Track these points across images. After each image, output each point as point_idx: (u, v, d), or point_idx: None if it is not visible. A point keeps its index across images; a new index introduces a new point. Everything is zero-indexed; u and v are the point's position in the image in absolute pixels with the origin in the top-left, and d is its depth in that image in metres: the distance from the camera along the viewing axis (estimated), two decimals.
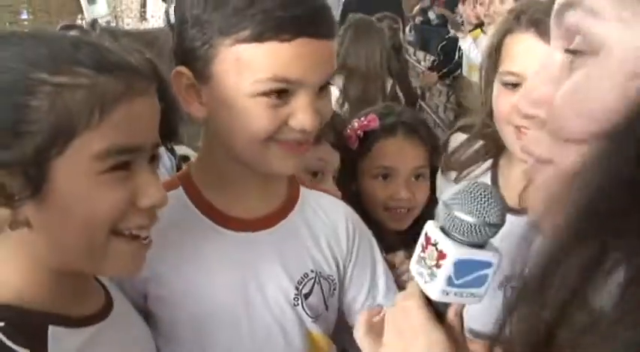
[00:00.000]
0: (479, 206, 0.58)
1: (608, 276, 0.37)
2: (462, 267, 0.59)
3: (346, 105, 2.68)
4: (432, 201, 1.26)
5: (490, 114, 1.09)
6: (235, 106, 0.75)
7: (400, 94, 3.07)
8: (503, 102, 1.03)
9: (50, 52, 0.61)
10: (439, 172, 1.28)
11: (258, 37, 0.72)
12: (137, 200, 0.65)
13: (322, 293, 0.92)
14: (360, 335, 0.66)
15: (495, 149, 1.14)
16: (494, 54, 1.05)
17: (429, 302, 0.62)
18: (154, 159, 0.69)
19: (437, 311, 0.62)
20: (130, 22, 4.30)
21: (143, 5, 4.39)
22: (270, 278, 0.88)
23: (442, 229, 0.61)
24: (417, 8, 4.82)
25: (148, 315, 0.86)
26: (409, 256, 1.19)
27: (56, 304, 0.67)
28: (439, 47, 4.26)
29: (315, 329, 0.92)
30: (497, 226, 0.60)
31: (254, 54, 0.72)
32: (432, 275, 0.60)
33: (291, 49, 0.72)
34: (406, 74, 3.25)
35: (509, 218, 0.91)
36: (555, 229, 0.41)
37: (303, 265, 0.91)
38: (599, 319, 0.37)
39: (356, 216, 1.00)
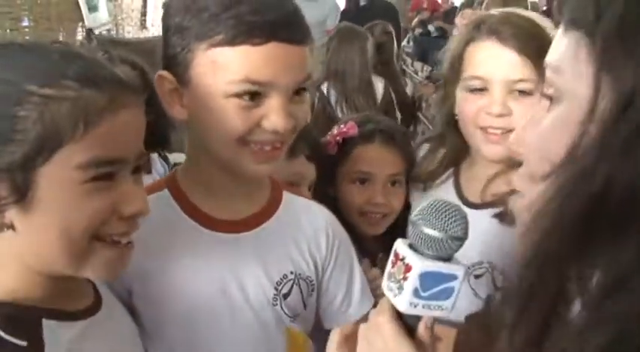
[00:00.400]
0: (443, 221, 0.63)
1: (575, 296, 0.44)
2: (428, 279, 0.63)
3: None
4: (408, 207, 1.29)
5: (449, 122, 1.16)
6: (211, 107, 0.79)
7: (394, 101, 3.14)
8: (469, 106, 1.09)
9: (40, 65, 0.65)
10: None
11: (232, 41, 0.76)
12: (120, 208, 0.68)
13: (301, 293, 0.95)
14: (332, 350, 0.70)
15: (456, 156, 1.20)
16: (457, 63, 1.11)
17: (399, 317, 0.65)
18: (138, 169, 0.72)
19: (408, 325, 0.65)
20: (130, 31, 4.34)
21: (143, 14, 4.44)
22: (250, 278, 0.91)
23: (410, 246, 0.65)
24: (416, 20, 4.89)
25: (132, 312, 0.89)
26: (384, 261, 1.28)
27: (48, 301, 0.70)
28: (437, 58, 4.32)
29: (294, 328, 0.95)
30: (461, 239, 0.64)
31: (228, 56, 0.76)
32: (400, 288, 0.64)
33: (263, 52, 0.76)
34: (398, 80, 3.32)
35: (472, 212, 1.01)
36: (527, 252, 0.48)
37: (282, 266, 0.94)
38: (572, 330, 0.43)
39: (336, 222, 1.03)
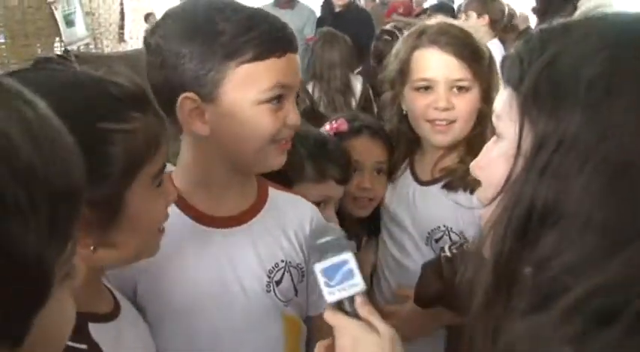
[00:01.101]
0: (324, 233, 0.86)
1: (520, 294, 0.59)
2: (329, 272, 0.81)
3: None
4: None
5: (401, 119, 1.37)
6: (243, 116, 0.90)
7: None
8: (418, 103, 1.30)
9: (101, 101, 0.72)
10: None
11: (260, 57, 0.88)
12: (168, 199, 0.82)
13: (292, 280, 1.04)
14: None
15: (410, 147, 1.41)
16: (405, 67, 1.31)
17: (344, 312, 0.81)
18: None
19: (352, 313, 0.81)
20: (108, 44, 4.34)
21: (121, 27, 4.46)
22: (245, 268, 0.99)
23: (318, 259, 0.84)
24: (390, 26, 5.01)
25: (137, 310, 0.94)
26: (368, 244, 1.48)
27: (85, 305, 0.75)
28: None
29: (288, 312, 1.04)
30: (337, 240, 0.85)
31: (258, 70, 0.88)
32: (321, 291, 0.82)
33: (285, 62, 0.91)
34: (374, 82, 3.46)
35: (426, 188, 1.37)
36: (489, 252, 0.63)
37: (274, 256, 1.02)
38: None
39: (317, 210, 1.13)
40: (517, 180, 0.59)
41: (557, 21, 0.64)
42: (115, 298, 0.86)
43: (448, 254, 1.25)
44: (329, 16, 4.22)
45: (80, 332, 0.71)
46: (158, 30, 0.92)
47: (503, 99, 0.64)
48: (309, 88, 3.18)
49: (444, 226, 1.32)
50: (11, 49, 3.55)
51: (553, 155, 0.56)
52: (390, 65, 1.37)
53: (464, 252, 1.17)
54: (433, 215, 1.34)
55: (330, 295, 0.80)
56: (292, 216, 1.06)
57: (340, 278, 0.80)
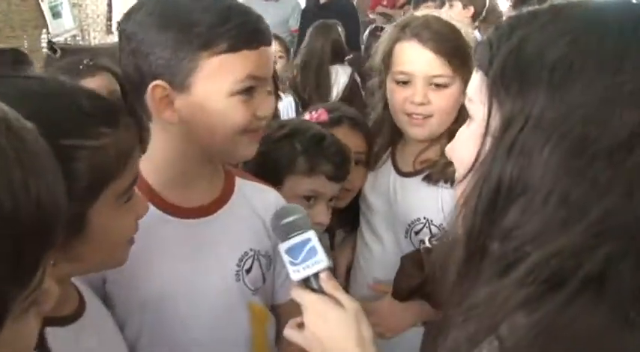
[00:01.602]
0: (285, 214, 0.88)
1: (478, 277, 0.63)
2: (292, 251, 0.84)
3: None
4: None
5: (385, 106, 1.37)
6: (214, 107, 0.91)
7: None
8: (397, 96, 1.31)
9: (68, 116, 0.69)
10: None
11: (233, 48, 0.89)
12: (138, 213, 0.80)
13: (261, 268, 1.06)
14: (288, 333, 0.86)
15: (392, 137, 1.42)
16: (387, 59, 1.32)
17: (311, 289, 0.84)
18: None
19: (318, 290, 0.84)
20: (96, 36, 4.32)
21: (109, 19, 4.44)
22: (215, 257, 1.01)
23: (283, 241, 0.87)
24: (374, 17, 5.02)
25: (105, 298, 0.96)
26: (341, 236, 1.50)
27: None
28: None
29: (256, 301, 1.06)
30: (298, 219, 0.88)
31: (231, 61, 0.90)
32: (287, 270, 0.85)
33: (258, 54, 0.92)
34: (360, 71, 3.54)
35: (407, 180, 1.37)
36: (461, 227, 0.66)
37: (242, 244, 1.04)
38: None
39: (284, 201, 1.13)
40: (486, 159, 0.62)
41: (527, 8, 0.66)
42: (80, 297, 0.85)
43: (429, 245, 1.27)
44: (314, 7, 4.22)
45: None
46: (133, 16, 0.92)
47: (475, 83, 0.67)
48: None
49: (424, 218, 1.32)
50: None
51: (519, 134, 0.59)
52: (375, 54, 1.38)
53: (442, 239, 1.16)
54: (413, 206, 1.34)
55: (295, 273, 0.83)
56: (259, 204, 1.07)
57: (304, 256, 0.83)
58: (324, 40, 3.30)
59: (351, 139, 1.41)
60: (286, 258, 0.84)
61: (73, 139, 0.67)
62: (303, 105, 3.02)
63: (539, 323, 0.55)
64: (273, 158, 1.26)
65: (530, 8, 0.66)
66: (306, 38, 3.37)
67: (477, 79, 0.67)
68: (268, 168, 1.23)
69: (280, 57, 3.11)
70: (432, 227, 1.32)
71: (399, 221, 1.36)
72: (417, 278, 1.23)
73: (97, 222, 0.72)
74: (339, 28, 3.47)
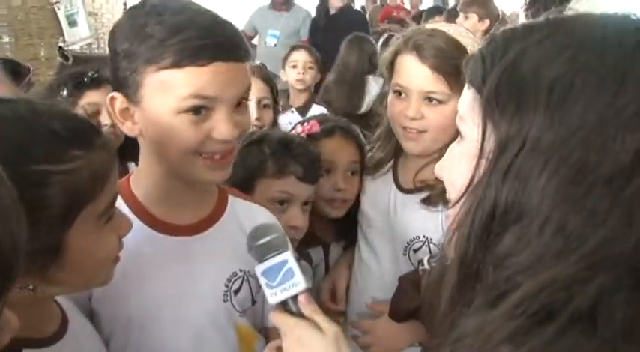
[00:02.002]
0: (260, 235, 0.86)
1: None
2: (269, 273, 0.83)
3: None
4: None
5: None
6: (163, 123, 0.88)
7: None
8: (394, 107, 1.30)
9: (38, 141, 0.68)
10: None
11: (178, 64, 0.85)
12: (120, 232, 0.79)
13: (250, 289, 1.04)
14: None
15: (396, 148, 1.38)
16: (389, 69, 1.31)
17: (289, 313, 0.82)
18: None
19: (298, 314, 0.82)
20: None
21: None
22: (203, 276, 1.00)
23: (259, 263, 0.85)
24: (385, 27, 5.03)
25: (92, 314, 0.96)
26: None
27: (25, 329, 0.73)
28: None
29: (243, 322, 1.04)
30: (274, 239, 0.86)
31: (175, 77, 0.85)
32: (264, 293, 0.84)
33: (208, 72, 0.85)
34: None
35: (406, 196, 1.34)
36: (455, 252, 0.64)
37: (232, 265, 1.02)
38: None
39: (274, 218, 1.12)
40: (480, 182, 0.59)
41: (522, 22, 0.64)
42: (64, 316, 0.84)
43: (427, 267, 1.22)
44: (324, 18, 4.22)
45: None
46: (113, 27, 0.93)
47: (467, 101, 0.63)
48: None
49: (424, 236, 1.29)
50: (15, 49, 3.61)
51: (515, 157, 0.56)
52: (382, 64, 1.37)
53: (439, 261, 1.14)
54: (413, 224, 1.31)
55: (272, 296, 0.81)
56: (251, 223, 1.02)
57: (281, 278, 0.81)
58: (359, 53, 3.31)
59: (345, 149, 1.42)
60: (263, 281, 0.82)
61: (44, 165, 0.66)
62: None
63: None
64: (243, 164, 1.24)
65: (525, 21, 0.63)
66: (341, 51, 3.38)
67: (468, 96, 0.63)
68: (239, 174, 1.22)
69: (310, 68, 3.09)
70: (431, 246, 1.30)
71: (398, 238, 1.34)
72: (415, 300, 1.20)
73: (76, 245, 0.71)
74: (372, 39, 3.50)
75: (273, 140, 1.29)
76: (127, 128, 0.92)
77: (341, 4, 4.19)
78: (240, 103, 0.93)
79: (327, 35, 4.06)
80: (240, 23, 4.35)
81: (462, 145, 0.65)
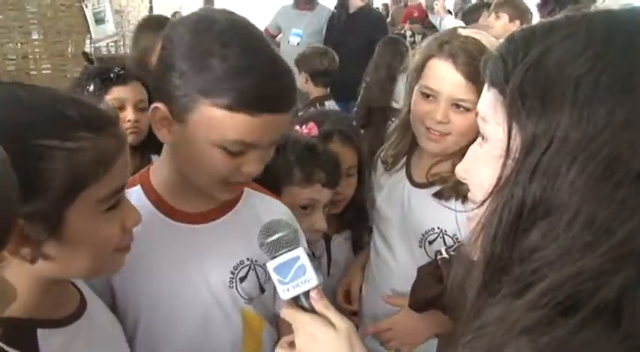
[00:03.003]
0: (272, 230, 0.85)
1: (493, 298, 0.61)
2: (281, 269, 0.82)
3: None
4: (359, 190, 1.53)
5: (409, 111, 1.36)
6: (199, 149, 0.90)
7: None
8: (420, 107, 1.31)
9: (46, 119, 0.71)
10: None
11: (232, 108, 0.86)
12: (126, 223, 0.80)
13: (257, 278, 1.06)
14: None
15: (412, 143, 1.41)
16: (419, 69, 1.31)
17: (302, 309, 0.82)
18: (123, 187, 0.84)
19: (310, 310, 0.82)
20: None
21: None
22: (210, 263, 1.03)
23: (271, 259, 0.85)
24: (407, 27, 5.00)
25: (112, 307, 0.99)
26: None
27: (40, 310, 0.77)
28: None
29: (251, 309, 1.07)
30: (286, 235, 0.85)
31: (226, 118, 0.86)
32: (276, 289, 0.84)
33: (255, 122, 0.87)
34: None
35: (419, 190, 1.37)
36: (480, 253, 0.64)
37: (240, 253, 1.05)
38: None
39: (291, 214, 1.14)
40: (507, 182, 0.59)
41: (540, 20, 0.63)
42: (82, 299, 0.86)
43: (446, 256, 1.27)
44: (342, 16, 4.19)
45: (24, 338, 0.73)
46: (178, 28, 0.91)
47: (487, 101, 0.63)
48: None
49: (438, 228, 1.32)
50: (44, 45, 3.70)
51: (543, 156, 0.56)
52: (413, 59, 1.38)
53: (460, 254, 1.13)
54: (427, 216, 1.33)
55: (285, 292, 0.82)
56: (263, 215, 1.07)
57: (293, 274, 0.81)
58: (393, 54, 3.35)
59: (343, 154, 1.43)
60: (275, 277, 0.82)
61: (50, 140, 0.69)
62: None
63: (545, 349, 0.52)
64: (269, 168, 1.26)
65: (544, 20, 0.62)
66: (376, 52, 3.42)
67: (489, 97, 0.63)
68: (266, 180, 1.24)
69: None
70: (445, 237, 1.32)
71: (413, 231, 1.36)
72: (435, 290, 1.22)
73: (75, 224, 0.72)
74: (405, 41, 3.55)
75: (297, 146, 1.29)
76: (162, 135, 0.94)
77: (362, 3, 4.17)
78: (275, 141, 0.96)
79: (345, 34, 4.05)
80: (263, 22, 4.39)
81: (485, 146, 0.65)
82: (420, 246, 1.35)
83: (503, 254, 0.60)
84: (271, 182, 1.22)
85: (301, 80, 3.19)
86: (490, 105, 0.62)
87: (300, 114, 1.75)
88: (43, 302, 0.78)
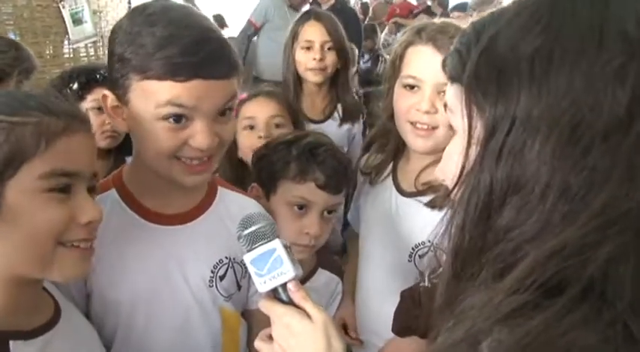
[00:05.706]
0: (249, 222, 0.85)
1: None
2: (257, 262, 0.82)
3: None
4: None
5: (391, 116, 1.29)
6: (144, 127, 0.92)
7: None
8: (403, 102, 1.23)
9: (7, 101, 0.77)
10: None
11: (160, 77, 0.88)
12: (77, 217, 0.78)
13: (235, 276, 1.07)
14: (258, 345, 0.86)
15: (396, 150, 1.33)
16: (397, 62, 1.25)
17: (280, 301, 0.82)
18: (93, 189, 0.84)
19: (288, 302, 0.82)
20: None
21: None
22: (190, 263, 1.03)
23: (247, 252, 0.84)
24: (391, 22, 5.00)
25: (87, 311, 0.99)
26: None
27: (11, 320, 0.76)
28: None
29: (228, 307, 1.07)
30: (263, 228, 0.85)
31: (156, 87, 0.89)
32: (254, 282, 0.84)
33: (186, 87, 0.89)
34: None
35: (408, 200, 1.28)
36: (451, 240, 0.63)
37: (218, 252, 1.06)
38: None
39: (265, 212, 1.12)
40: (472, 170, 0.58)
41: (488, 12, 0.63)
42: (56, 306, 0.86)
43: (427, 284, 1.15)
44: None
45: None
46: (116, 24, 0.96)
47: (452, 93, 0.63)
48: None
49: (429, 241, 1.22)
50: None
51: (507, 137, 0.55)
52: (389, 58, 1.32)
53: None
54: (417, 229, 1.23)
55: (262, 285, 0.82)
56: (237, 213, 1.06)
57: (270, 266, 0.81)
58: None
59: (266, 106, 1.59)
60: (252, 269, 0.82)
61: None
62: None
63: (529, 335, 0.50)
64: (269, 161, 1.27)
65: (492, 10, 0.63)
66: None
67: (453, 90, 0.63)
68: (265, 171, 1.25)
69: None
70: (437, 251, 1.17)
71: (403, 244, 1.27)
72: (416, 316, 1.13)
73: (13, 200, 0.73)
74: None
75: (301, 143, 1.28)
76: (118, 123, 0.97)
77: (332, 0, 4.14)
78: (224, 113, 0.95)
79: None
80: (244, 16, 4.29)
81: (455, 139, 0.64)
82: (410, 261, 1.26)
83: (474, 241, 0.59)
84: (267, 175, 1.23)
85: None
86: (454, 97, 0.63)
87: None
88: (14, 312, 0.77)
